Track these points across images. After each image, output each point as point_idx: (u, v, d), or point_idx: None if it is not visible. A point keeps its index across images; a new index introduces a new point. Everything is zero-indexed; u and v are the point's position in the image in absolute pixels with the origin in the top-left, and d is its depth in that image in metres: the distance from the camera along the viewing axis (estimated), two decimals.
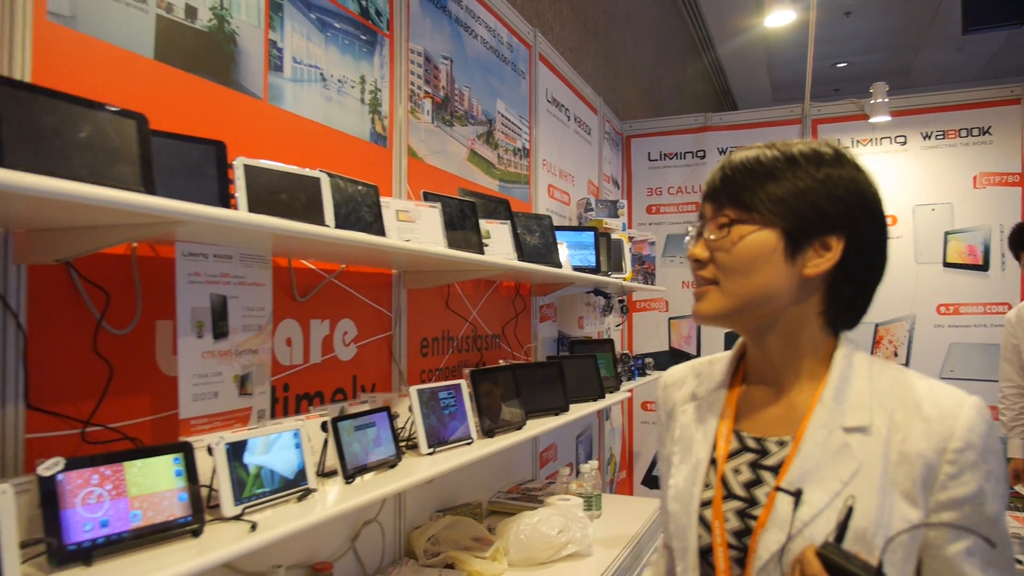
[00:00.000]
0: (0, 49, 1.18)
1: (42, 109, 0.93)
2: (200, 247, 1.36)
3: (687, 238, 1.07)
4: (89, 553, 1.01)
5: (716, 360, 1.16)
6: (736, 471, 1.01)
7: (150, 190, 1.05)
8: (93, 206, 0.92)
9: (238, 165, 1.30)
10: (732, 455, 1.03)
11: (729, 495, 1.00)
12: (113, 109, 1.03)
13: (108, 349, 1.34)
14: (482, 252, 2.09)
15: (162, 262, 1.46)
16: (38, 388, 1.23)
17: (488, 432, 2.04)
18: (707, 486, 1.02)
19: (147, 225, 1.07)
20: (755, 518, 0.96)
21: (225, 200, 1.30)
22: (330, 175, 1.52)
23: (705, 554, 1.00)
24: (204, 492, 1.23)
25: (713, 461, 1.04)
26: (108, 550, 1.04)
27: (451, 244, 1.94)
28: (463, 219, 2.05)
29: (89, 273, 1.31)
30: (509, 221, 2.32)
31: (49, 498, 1.00)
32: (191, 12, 1.53)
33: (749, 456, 1.01)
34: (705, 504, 1.01)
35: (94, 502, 1.05)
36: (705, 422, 1.08)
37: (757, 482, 0.99)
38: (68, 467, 1.03)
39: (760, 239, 0.96)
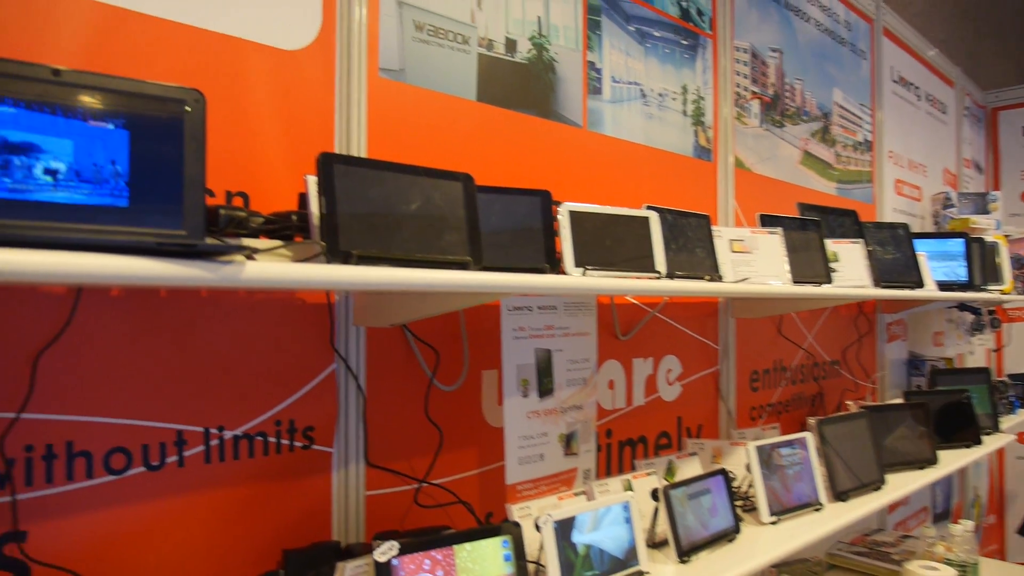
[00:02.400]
0: (340, 107, 1.19)
1: (374, 183, 0.88)
2: (524, 300, 1.27)
3: None
4: None
5: None
6: None
7: (477, 257, 0.96)
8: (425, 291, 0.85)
9: (563, 212, 1.18)
10: None
11: None
12: (440, 173, 0.96)
13: (438, 406, 1.31)
14: (830, 280, 1.76)
15: (486, 311, 1.41)
16: (376, 446, 1.24)
17: (840, 495, 1.71)
18: None
19: (477, 295, 0.98)
20: None
21: (551, 254, 1.18)
22: (659, 211, 1.34)
23: None
24: (531, 568, 1.13)
25: None
26: None
27: (794, 274, 1.65)
28: (806, 242, 1.74)
29: (421, 332, 1.29)
30: (860, 240, 1.94)
31: None
32: (511, 46, 1.46)
33: None
34: None
35: None
36: None
37: None
38: (402, 551, 0.98)
39: None
